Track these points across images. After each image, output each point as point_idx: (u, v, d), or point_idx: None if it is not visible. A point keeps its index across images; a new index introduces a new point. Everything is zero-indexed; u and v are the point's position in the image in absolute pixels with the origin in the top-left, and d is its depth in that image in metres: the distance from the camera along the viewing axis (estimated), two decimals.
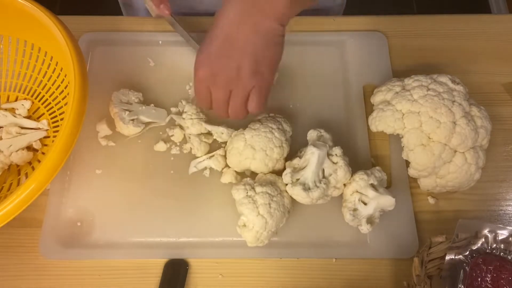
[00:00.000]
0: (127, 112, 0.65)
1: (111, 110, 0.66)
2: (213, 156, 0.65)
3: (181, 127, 0.67)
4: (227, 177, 0.63)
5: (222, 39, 0.54)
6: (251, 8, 0.53)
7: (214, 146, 0.67)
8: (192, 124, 0.66)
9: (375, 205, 0.58)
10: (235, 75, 0.54)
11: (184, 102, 0.69)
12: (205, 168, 0.65)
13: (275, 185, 0.59)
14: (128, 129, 0.65)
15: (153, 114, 0.67)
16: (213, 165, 0.64)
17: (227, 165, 0.64)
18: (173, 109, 0.69)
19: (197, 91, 0.57)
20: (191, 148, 0.66)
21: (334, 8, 0.87)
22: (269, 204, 0.57)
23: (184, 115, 0.67)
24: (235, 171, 0.64)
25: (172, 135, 0.67)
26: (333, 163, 0.59)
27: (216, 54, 0.54)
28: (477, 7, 1.91)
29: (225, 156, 0.65)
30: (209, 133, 0.67)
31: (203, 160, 0.65)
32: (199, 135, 0.66)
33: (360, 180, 0.58)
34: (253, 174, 0.63)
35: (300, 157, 0.60)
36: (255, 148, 0.60)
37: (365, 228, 0.58)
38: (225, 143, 0.66)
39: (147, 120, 0.67)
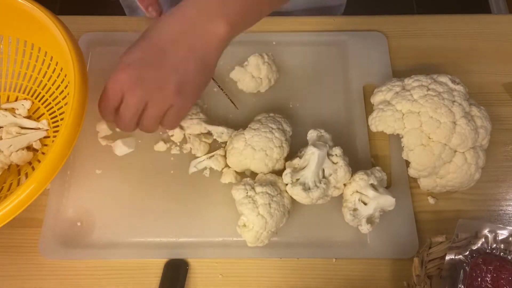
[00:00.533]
0: None
1: None
2: (213, 156, 0.65)
3: (181, 127, 0.67)
4: (227, 177, 0.63)
5: (155, 51, 0.52)
6: (191, 30, 0.52)
7: (214, 146, 0.67)
8: (192, 124, 0.66)
9: (375, 205, 0.58)
10: (158, 88, 0.52)
11: None
12: (205, 168, 0.65)
13: (275, 185, 0.59)
14: None
15: None
16: (213, 165, 0.64)
17: (227, 165, 0.64)
18: None
19: (109, 90, 0.53)
20: (191, 148, 0.66)
21: (334, 8, 0.87)
22: (269, 204, 0.57)
23: None
24: (235, 171, 0.64)
25: (172, 135, 0.67)
26: (333, 163, 0.59)
27: (145, 62, 0.52)
28: (477, 7, 1.91)
29: (225, 156, 0.65)
30: (209, 133, 0.67)
31: (203, 160, 0.65)
32: (199, 135, 0.66)
33: (360, 180, 0.58)
34: (253, 174, 0.63)
35: (300, 157, 0.60)
36: (255, 148, 0.60)
37: (365, 228, 0.58)
38: (225, 143, 0.66)
39: None
